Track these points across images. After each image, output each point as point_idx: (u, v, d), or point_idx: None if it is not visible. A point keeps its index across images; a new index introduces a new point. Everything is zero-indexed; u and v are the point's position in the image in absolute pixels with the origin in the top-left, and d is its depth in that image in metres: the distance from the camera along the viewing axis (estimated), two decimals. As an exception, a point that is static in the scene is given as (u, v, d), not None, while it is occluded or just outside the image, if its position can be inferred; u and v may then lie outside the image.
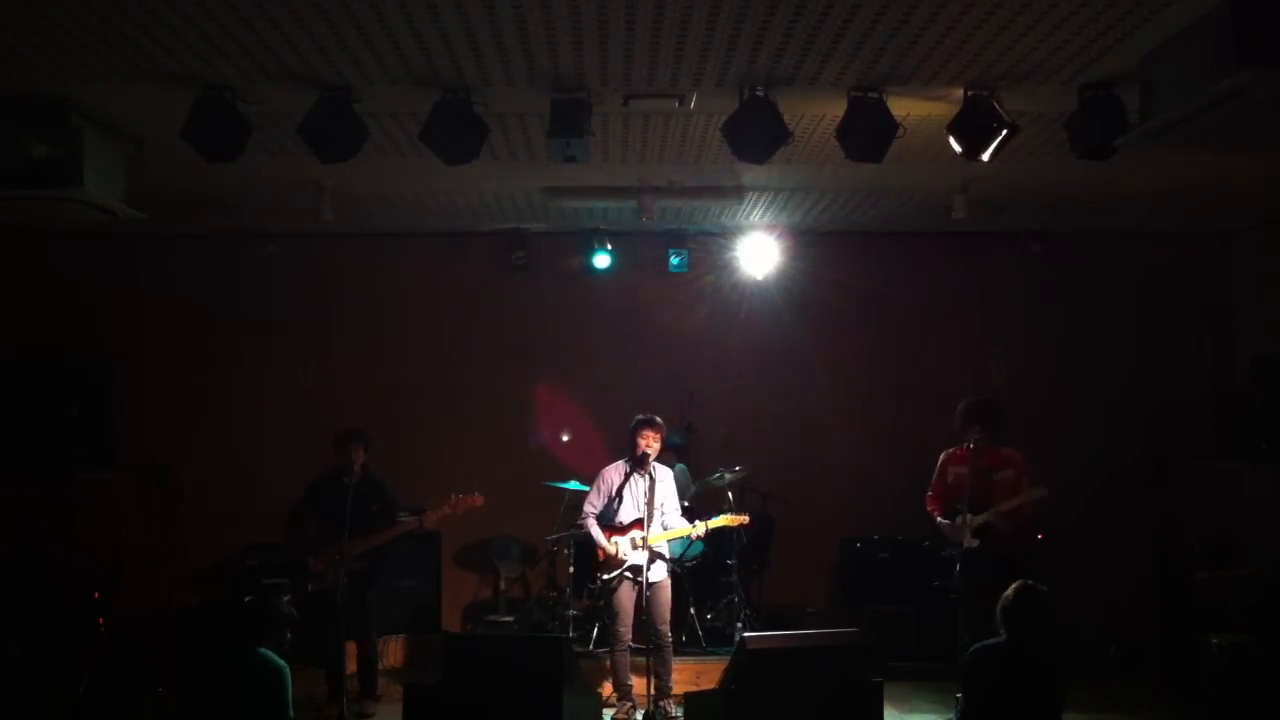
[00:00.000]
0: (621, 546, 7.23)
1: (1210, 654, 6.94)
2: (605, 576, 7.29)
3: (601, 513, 7.40)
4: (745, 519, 7.58)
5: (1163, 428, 8.87)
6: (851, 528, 9.21)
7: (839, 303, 9.45)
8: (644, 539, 7.07)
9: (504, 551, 9.16)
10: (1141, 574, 8.26)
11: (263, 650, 5.32)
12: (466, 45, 5.01)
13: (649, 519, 7.14)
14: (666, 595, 7.29)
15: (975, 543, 7.10)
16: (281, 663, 5.32)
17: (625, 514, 7.34)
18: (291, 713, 5.29)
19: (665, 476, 7.42)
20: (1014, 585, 5.37)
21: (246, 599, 5.55)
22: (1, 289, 8.77)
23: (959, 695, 5.45)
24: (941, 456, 7.49)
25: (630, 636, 7.24)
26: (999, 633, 5.32)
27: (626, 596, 7.23)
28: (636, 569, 7.15)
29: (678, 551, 7.96)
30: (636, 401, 7.85)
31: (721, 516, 7.43)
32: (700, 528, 7.32)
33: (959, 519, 7.14)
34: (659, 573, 7.20)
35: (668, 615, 7.30)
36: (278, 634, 5.44)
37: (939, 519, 7.35)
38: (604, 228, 9.24)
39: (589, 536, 7.38)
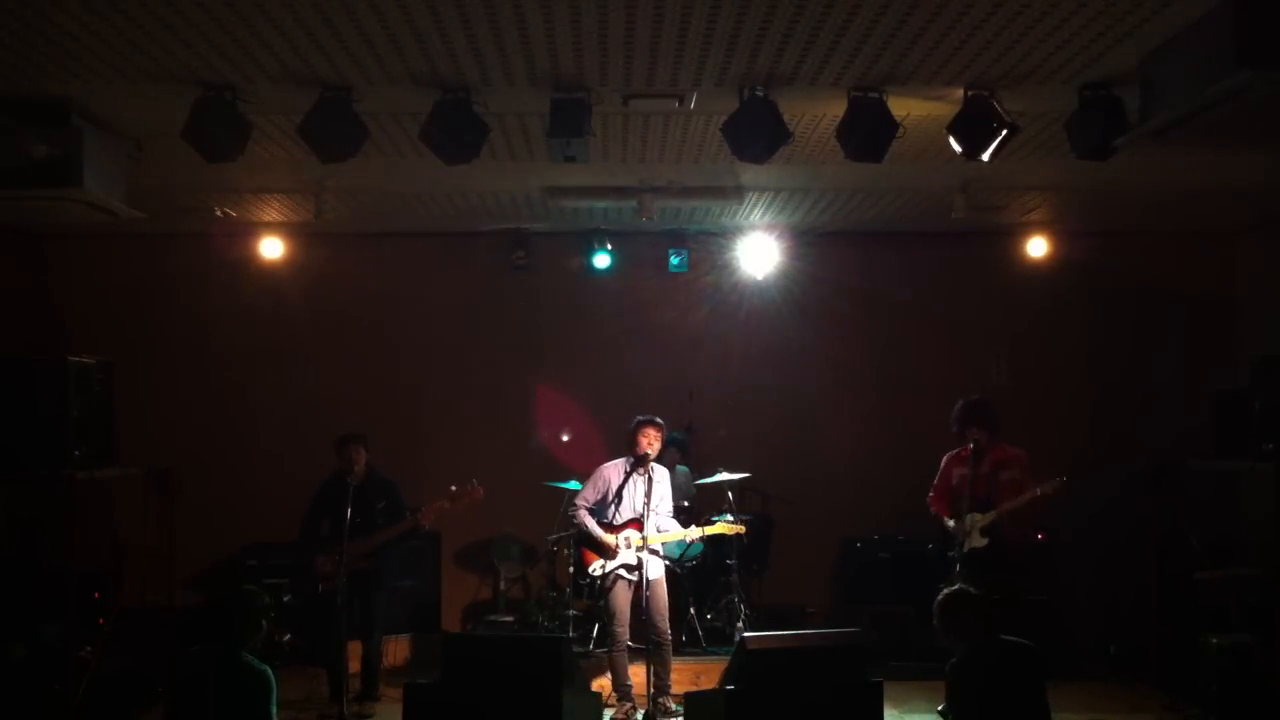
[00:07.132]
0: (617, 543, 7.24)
1: (1210, 654, 6.93)
2: (596, 573, 7.27)
3: (597, 510, 7.39)
4: (742, 529, 7.62)
5: (1163, 428, 8.86)
6: (851, 528, 9.22)
7: (839, 303, 9.46)
8: (643, 539, 7.05)
9: (504, 551, 9.15)
10: (1141, 574, 8.25)
11: (246, 654, 5.07)
12: (466, 45, 5.01)
13: (646, 519, 7.13)
14: (663, 592, 7.28)
15: (984, 542, 7.09)
16: (264, 666, 5.08)
17: (624, 514, 7.33)
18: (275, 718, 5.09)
19: (663, 477, 7.42)
20: (935, 604, 5.40)
21: (225, 598, 5.34)
22: (2, 289, 8.77)
23: (940, 709, 5.46)
24: (945, 458, 7.49)
25: (628, 636, 7.23)
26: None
27: (623, 596, 7.23)
28: (629, 567, 7.16)
29: (676, 552, 7.94)
30: (636, 401, 7.86)
31: (720, 524, 7.47)
32: (695, 533, 7.36)
33: (967, 519, 7.14)
34: (655, 570, 7.19)
35: (666, 612, 7.29)
36: (258, 634, 5.17)
37: (945, 520, 7.35)
38: (604, 228, 9.24)
39: (588, 534, 7.36)
